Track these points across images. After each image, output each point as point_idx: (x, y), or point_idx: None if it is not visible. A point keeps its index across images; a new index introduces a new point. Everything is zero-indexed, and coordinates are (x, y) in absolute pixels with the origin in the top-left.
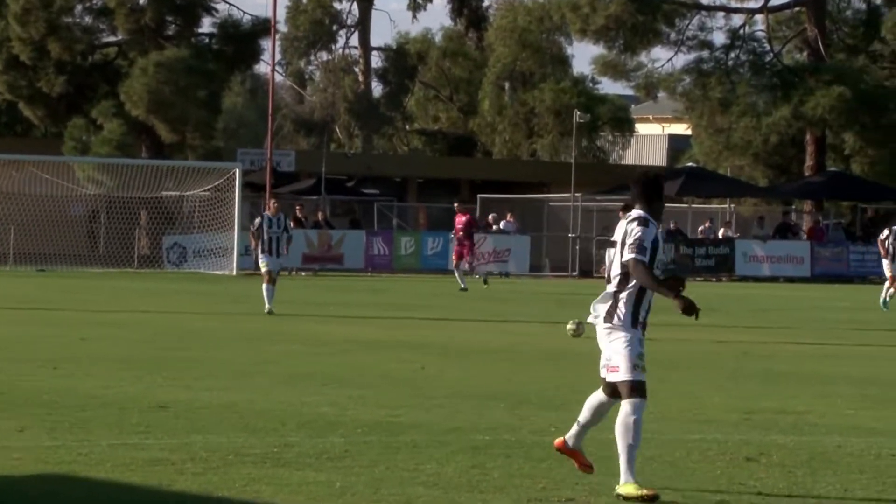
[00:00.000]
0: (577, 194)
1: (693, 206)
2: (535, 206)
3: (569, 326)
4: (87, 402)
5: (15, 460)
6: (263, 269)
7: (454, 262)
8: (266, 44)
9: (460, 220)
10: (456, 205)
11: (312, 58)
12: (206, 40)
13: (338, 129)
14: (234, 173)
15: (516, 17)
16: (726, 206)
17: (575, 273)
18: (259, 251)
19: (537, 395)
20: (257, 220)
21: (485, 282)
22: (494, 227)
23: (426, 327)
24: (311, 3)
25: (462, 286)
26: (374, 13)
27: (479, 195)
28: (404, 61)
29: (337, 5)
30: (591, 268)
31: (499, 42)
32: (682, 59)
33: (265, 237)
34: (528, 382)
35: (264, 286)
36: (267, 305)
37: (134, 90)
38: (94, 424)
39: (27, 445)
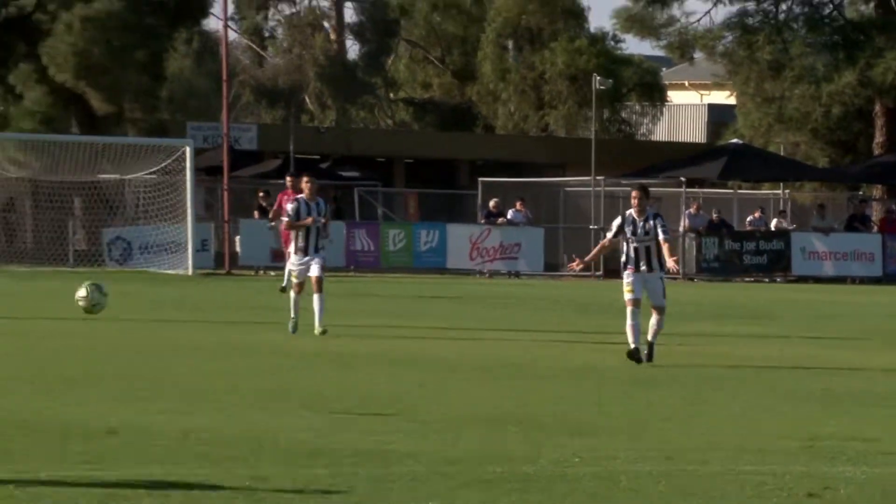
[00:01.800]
0: (598, 178)
1: (740, 192)
2: (549, 192)
3: (80, 294)
4: (20, 427)
5: None
6: (295, 278)
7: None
8: None
9: (289, 198)
10: (289, 179)
11: (273, 11)
12: None
13: (308, 99)
14: (185, 152)
15: None
16: (780, 191)
17: (599, 273)
18: (293, 249)
19: (556, 418)
20: (291, 206)
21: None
22: (501, 218)
23: (423, 338)
24: None
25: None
26: None
27: (480, 178)
28: (385, 15)
29: None
30: (618, 266)
31: None
32: (724, 11)
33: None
34: (546, 404)
35: (292, 295)
36: (292, 315)
37: (58, 51)
38: (30, 454)
39: None
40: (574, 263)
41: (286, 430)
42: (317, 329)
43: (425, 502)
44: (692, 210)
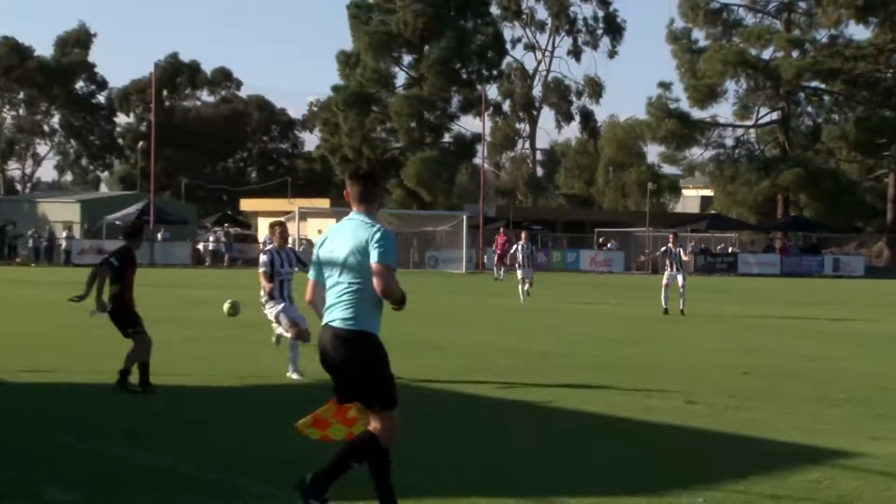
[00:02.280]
0: (649, 229)
1: (715, 234)
2: (626, 235)
3: (226, 307)
4: (406, 343)
5: None
6: (521, 277)
7: (497, 263)
8: (479, 147)
9: (502, 239)
10: (501, 230)
11: (504, 155)
12: (447, 146)
13: (519, 194)
14: (462, 218)
15: (616, 130)
16: (734, 235)
17: (649, 271)
18: (516, 266)
19: (624, 336)
20: (512, 248)
21: (497, 279)
22: (605, 246)
23: (574, 302)
24: (504, 124)
25: (498, 277)
26: (538, 130)
27: (596, 229)
28: (555, 156)
29: (517, 125)
30: (657, 269)
31: (606, 144)
32: (709, 153)
33: (520, 256)
34: (620, 330)
35: (519, 288)
36: (520, 296)
37: (409, 174)
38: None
39: None
40: (645, 257)
41: (518, 342)
42: (522, 299)
43: (570, 375)
44: (693, 243)
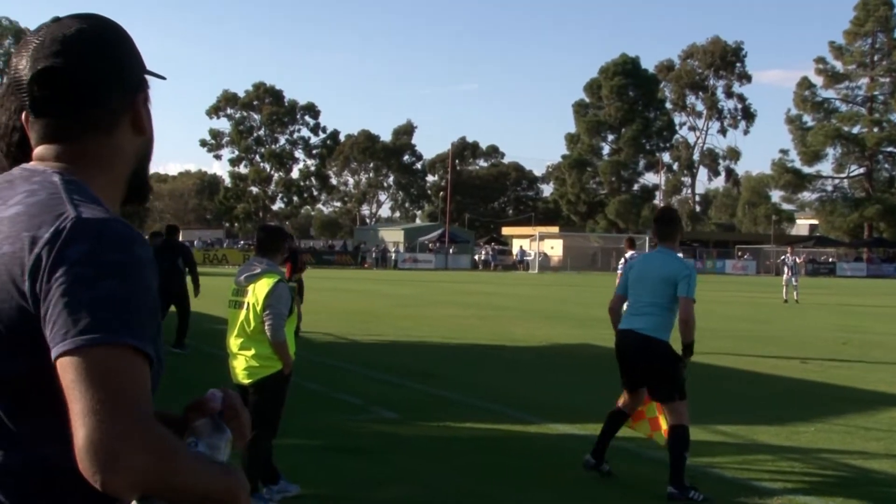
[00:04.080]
0: (773, 245)
1: (818, 249)
2: (757, 250)
3: None
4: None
5: None
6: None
7: None
8: (657, 193)
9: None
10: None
11: (673, 198)
12: (636, 192)
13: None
14: (646, 238)
15: (750, 181)
16: (833, 250)
17: (773, 274)
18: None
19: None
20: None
21: None
22: (743, 257)
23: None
24: (673, 178)
25: None
26: (696, 181)
27: (736, 245)
28: (707, 198)
29: (682, 178)
30: (779, 272)
31: (744, 190)
32: (815, 195)
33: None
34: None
35: None
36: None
37: (610, 211)
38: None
39: None
40: (770, 263)
41: None
42: None
43: (725, 342)
44: (804, 255)
